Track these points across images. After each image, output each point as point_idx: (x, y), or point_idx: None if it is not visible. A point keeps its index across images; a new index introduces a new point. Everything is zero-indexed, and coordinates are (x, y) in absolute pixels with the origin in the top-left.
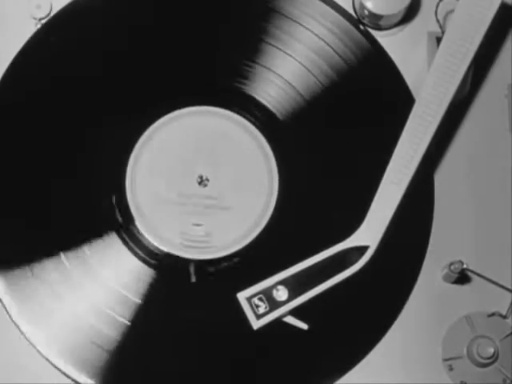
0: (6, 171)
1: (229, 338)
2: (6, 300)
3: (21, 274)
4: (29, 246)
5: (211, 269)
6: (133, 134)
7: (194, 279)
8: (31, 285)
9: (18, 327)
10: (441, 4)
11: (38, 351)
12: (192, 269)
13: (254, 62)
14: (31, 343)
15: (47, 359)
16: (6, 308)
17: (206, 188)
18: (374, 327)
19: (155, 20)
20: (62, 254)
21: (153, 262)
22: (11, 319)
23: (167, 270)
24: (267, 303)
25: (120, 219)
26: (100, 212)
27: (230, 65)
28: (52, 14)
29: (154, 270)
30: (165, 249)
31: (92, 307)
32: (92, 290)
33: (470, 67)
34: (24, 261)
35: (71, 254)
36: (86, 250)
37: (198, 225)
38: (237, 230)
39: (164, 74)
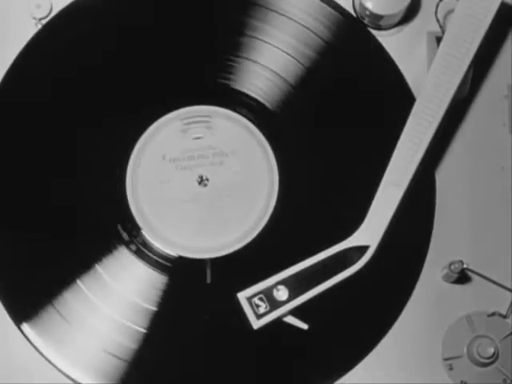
0: (5, 170)
1: (229, 337)
2: (37, 342)
3: (47, 314)
4: (45, 282)
5: (211, 269)
6: (133, 134)
7: (209, 280)
8: (55, 318)
9: (35, 347)
10: (441, 4)
11: (56, 368)
12: (209, 269)
13: (256, 61)
14: (50, 361)
15: (67, 376)
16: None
17: (206, 188)
18: (374, 327)
19: (155, 20)
20: (78, 282)
21: (163, 266)
22: (31, 343)
23: (177, 273)
24: (267, 303)
25: (125, 234)
26: (105, 225)
27: (230, 65)
28: (52, 14)
29: (165, 275)
30: (173, 253)
31: (111, 321)
32: (109, 305)
33: (470, 67)
34: (45, 300)
35: (86, 278)
36: (99, 269)
37: None
38: (237, 229)
39: (165, 74)
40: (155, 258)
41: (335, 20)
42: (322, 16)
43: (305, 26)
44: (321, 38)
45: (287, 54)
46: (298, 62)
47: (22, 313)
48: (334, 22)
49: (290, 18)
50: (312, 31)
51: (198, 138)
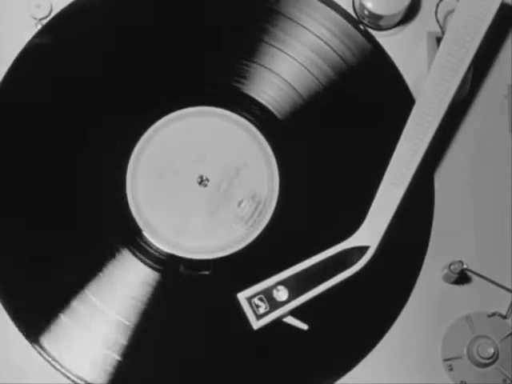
0: (5, 170)
1: (229, 338)
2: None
3: (58, 324)
4: (54, 294)
5: (211, 269)
6: (133, 134)
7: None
8: (64, 324)
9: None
10: (441, 4)
11: (50, 364)
12: (182, 269)
13: (253, 62)
14: (45, 357)
15: (61, 367)
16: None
17: (206, 188)
18: (374, 327)
19: (155, 20)
20: (87, 291)
21: (159, 266)
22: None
23: (171, 272)
24: (267, 303)
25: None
26: (104, 226)
27: (230, 65)
28: (52, 14)
29: (159, 273)
30: (170, 251)
31: (107, 318)
32: (107, 304)
33: (470, 67)
34: (57, 311)
35: (92, 284)
36: (99, 273)
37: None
38: (237, 230)
39: (164, 74)
40: (155, 257)
41: (360, 45)
42: (348, 39)
43: (329, 46)
44: (343, 60)
45: (305, 67)
46: (315, 77)
47: (37, 326)
48: (359, 47)
49: (318, 37)
50: (335, 51)
51: (198, 139)
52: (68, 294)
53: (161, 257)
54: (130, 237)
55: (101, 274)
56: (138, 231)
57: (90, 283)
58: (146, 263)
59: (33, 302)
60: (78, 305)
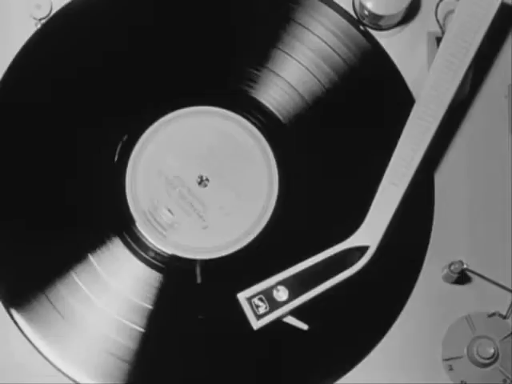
0: (5, 170)
1: (229, 338)
2: (26, 329)
3: (39, 304)
4: (38, 271)
5: (211, 269)
6: (133, 133)
7: (199, 280)
8: (46, 307)
9: (33, 345)
10: (441, 4)
11: (54, 366)
12: (198, 269)
13: (254, 62)
14: (46, 358)
15: (65, 374)
16: (21, 329)
17: (206, 188)
18: (374, 327)
19: (155, 20)
20: (72, 273)
21: (157, 264)
22: (28, 339)
23: (171, 271)
24: (267, 303)
25: (121, 221)
26: (101, 217)
27: (231, 65)
28: (52, 14)
29: (159, 272)
30: (168, 251)
31: (105, 317)
32: (103, 300)
33: (470, 67)
34: (38, 290)
35: (80, 269)
36: (92, 260)
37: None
38: (237, 230)
39: (164, 74)
40: (150, 254)
41: (360, 45)
42: (348, 39)
43: (329, 45)
44: (342, 60)
45: (303, 65)
46: (319, 81)
47: (13, 299)
48: (359, 47)
49: (318, 36)
50: (335, 51)
51: (198, 138)
52: (52, 273)
53: (161, 256)
54: (130, 237)
55: (101, 275)
56: (137, 231)
57: (78, 267)
58: (146, 262)
59: (16, 274)
60: (61, 286)
